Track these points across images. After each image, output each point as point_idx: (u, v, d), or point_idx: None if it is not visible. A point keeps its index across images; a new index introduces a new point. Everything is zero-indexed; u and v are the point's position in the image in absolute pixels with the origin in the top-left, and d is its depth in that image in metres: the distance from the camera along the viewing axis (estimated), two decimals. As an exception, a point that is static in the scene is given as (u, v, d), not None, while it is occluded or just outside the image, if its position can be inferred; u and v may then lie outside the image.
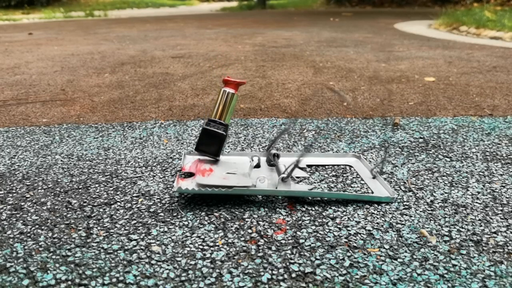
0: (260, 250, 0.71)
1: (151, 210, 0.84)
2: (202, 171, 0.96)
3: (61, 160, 1.09)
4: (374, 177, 0.96)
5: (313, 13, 7.58)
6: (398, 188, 0.92)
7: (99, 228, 0.78)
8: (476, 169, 1.01)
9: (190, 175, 0.97)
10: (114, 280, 0.64)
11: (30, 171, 1.03)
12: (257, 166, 1.00)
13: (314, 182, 0.96)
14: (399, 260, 0.68)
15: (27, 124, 1.40)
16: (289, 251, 0.70)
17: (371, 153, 1.11)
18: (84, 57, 2.76)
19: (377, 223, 0.78)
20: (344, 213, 0.82)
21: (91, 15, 7.82)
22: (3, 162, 1.09)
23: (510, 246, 0.71)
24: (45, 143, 1.22)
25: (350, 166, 1.04)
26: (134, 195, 0.90)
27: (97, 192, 0.91)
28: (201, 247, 0.72)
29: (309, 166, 1.04)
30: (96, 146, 1.19)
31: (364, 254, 0.69)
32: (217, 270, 0.66)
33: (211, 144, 0.99)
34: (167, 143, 1.21)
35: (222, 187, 0.87)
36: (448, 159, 1.07)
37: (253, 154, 1.06)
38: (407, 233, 0.75)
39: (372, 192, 0.89)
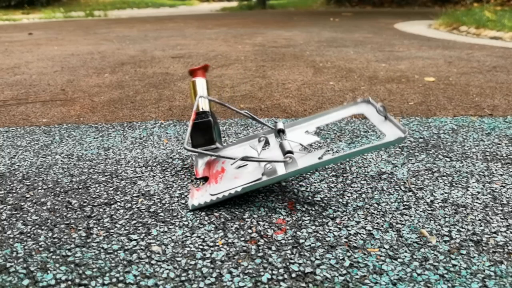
0: (260, 250, 0.71)
1: (151, 210, 0.84)
2: (215, 175, 0.94)
3: (61, 160, 1.09)
4: (385, 118, 0.91)
5: (313, 13, 7.59)
6: (398, 188, 0.92)
7: (99, 228, 0.78)
8: (476, 169, 1.01)
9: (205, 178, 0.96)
10: (114, 280, 0.64)
11: (30, 171, 1.03)
12: (267, 142, 0.99)
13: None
14: (399, 260, 0.68)
15: (27, 124, 1.40)
16: (289, 251, 0.70)
17: (371, 153, 1.11)
18: (84, 57, 2.76)
19: (377, 223, 0.78)
20: (344, 213, 0.82)
21: (91, 15, 7.82)
22: (3, 162, 1.09)
23: (510, 246, 0.71)
24: (45, 143, 1.22)
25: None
26: (134, 195, 0.90)
27: (97, 192, 0.91)
28: (201, 247, 0.72)
29: (318, 128, 1.00)
30: (96, 146, 1.19)
31: (364, 254, 0.69)
32: (217, 270, 0.66)
33: (202, 135, 0.99)
34: (167, 143, 1.21)
35: (232, 190, 0.85)
36: (448, 159, 1.07)
37: (260, 135, 1.03)
38: (407, 233, 0.75)
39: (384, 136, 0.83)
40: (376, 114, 0.94)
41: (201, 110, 1.00)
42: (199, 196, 0.87)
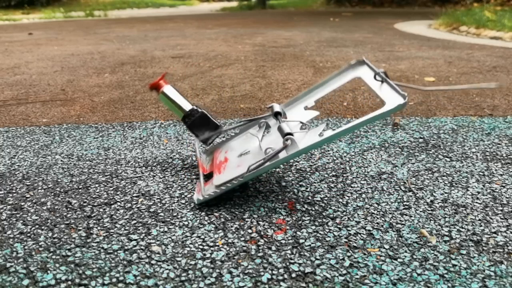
0: (260, 250, 0.71)
1: (151, 210, 0.84)
2: (218, 165, 0.94)
3: (61, 160, 1.09)
4: (382, 82, 0.87)
5: (313, 13, 7.59)
6: (398, 188, 0.92)
7: (99, 228, 0.78)
8: (476, 169, 1.01)
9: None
10: (114, 280, 0.64)
11: (30, 171, 1.03)
12: (268, 127, 0.98)
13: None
14: (399, 260, 0.68)
15: (27, 124, 1.40)
16: (289, 251, 0.70)
17: (371, 153, 1.11)
18: (84, 57, 2.76)
19: (377, 223, 0.78)
20: (344, 213, 0.82)
21: (91, 15, 7.82)
22: (3, 162, 1.09)
23: (510, 246, 0.71)
24: (45, 143, 1.22)
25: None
26: (134, 195, 0.90)
27: (97, 192, 0.91)
28: (201, 247, 0.72)
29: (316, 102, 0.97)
30: (96, 146, 1.19)
31: (364, 254, 0.69)
32: (217, 270, 0.66)
33: (206, 129, 1.00)
34: (167, 143, 1.21)
35: (234, 179, 0.83)
36: (448, 159, 1.07)
37: (261, 120, 1.01)
38: (407, 233, 0.75)
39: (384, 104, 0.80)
40: (373, 77, 0.90)
41: (187, 110, 1.01)
42: (205, 190, 0.87)
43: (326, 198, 0.88)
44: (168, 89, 1.02)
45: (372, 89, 0.88)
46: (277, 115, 0.96)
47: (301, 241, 0.73)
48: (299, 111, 0.98)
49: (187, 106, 1.01)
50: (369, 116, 0.78)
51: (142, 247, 0.72)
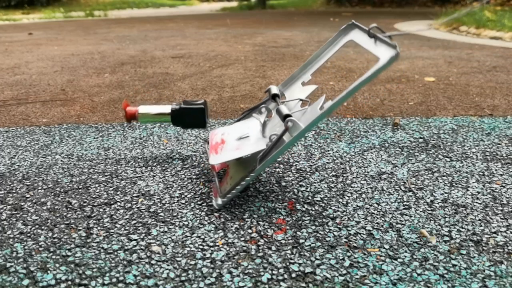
0: (260, 250, 0.71)
1: (151, 210, 0.84)
2: (214, 146, 0.92)
3: (61, 160, 1.09)
4: (374, 39, 0.84)
5: (313, 13, 7.58)
6: (398, 188, 0.92)
7: (99, 228, 0.78)
8: (476, 169, 1.01)
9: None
10: (114, 280, 0.64)
11: (30, 171, 1.03)
12: (269, 111, 0.97)
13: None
14: (399, 260, 0.68)
15: (27, 124, 1.40)
16: (289, 251, 0.70)
17: (371, 153, 1.11)
18: (84, 57, 2.76)
19: (377, 223, 0.78)
20: (344, 213, 0.82)
21: (91, 15, 7.82)
22: (3, 162, 1.09)
23: (510, 246, 0.71)
24: (45, 143, 1.22)
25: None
26: (134, 195, 0.90)
27: (97, 192, 0.91)
28: (201, 247, 0.72)
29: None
30: (96, 146, 1.19)
31: (364, 254, 0.69)
32: (217, 270, 0.66)
33: (195, 114, 1.03)
34: (167, 143, 1.21)
35: (247, 176, 0.81)
36: (448, 159, 1.07)
37: (261, 106, 1.00)
38: (407, 233, 0.75)
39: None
40: (366, 37, 0.87)
41: (168, 112, 1.04)
42: (222, 191, 0.86)
43: (326, 198, 0.88)
44: (142, 109, 1.05)
45: (367, 50, 0.85)
46: (275, 97, 0.94)
47: (301, 241, 0.73)
48: (297, 88, 0.96)
49: (167, 109, 1.04)
50: (364, 76, 0.75)
51: (142, 247, 0.72)
